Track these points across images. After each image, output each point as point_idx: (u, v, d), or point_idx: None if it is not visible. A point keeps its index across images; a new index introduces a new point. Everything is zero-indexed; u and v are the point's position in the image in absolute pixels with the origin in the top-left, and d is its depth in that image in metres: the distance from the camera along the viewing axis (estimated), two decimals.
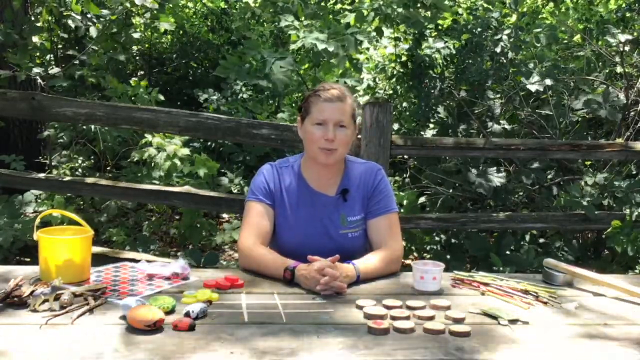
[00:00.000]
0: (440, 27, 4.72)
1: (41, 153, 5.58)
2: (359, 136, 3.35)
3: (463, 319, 1.71)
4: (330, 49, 3.80)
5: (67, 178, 4.00)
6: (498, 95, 4.53)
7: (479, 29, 4.37)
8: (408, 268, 2.09)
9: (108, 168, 5.20)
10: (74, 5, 4.80)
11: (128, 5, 4.73)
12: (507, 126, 4.37)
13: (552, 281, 2.09)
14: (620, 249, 3.65)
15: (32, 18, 5.15)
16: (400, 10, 4.14)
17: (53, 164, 5.09)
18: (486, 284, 2.01)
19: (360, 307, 1.76)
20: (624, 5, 5.41)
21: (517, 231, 4.15)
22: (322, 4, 4.93)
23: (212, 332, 1.56)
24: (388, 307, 1.76)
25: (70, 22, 4.91)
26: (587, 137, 4.60)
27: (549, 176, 4.30)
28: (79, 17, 4.89)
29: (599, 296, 1.99)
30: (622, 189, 3.82)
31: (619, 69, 4.61)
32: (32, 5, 5.41)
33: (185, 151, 4.45)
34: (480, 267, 3.89)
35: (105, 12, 4.87)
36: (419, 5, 4.26)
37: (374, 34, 4.47)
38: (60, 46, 6.22)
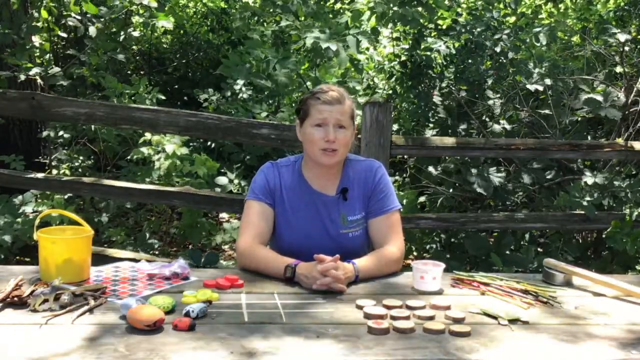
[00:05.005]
0: (439, 27, 4.72)
1: (41, 153, 5.58)
2: (359, 136, 3.35)
3: (463, 318, 1.71)
4: (333, 47, 3.79)
5: (67, 178, 3.99)
6: (498, 95, 4.53)
7: (478, 29, 4.37)
8: (408, 268, 2.09)
9: (108, 168, 5.20)
10: (72, 6, 4.79)
11: (128, 4, 4.73)
12: (507, 126, 4.37)
13: (552, 281, 2.09)
14: (620, 249, 3.65)
15: (34, 17, 5.15)
16: (396, 8, 4.13)
17: (53, 163, 5.09)
18: (486, 284, 2.01)
19: (360, 307, 1.76)
20: (622, 4, 5.41)
21: (517, 231, 4.15)
22: (322, 3, 4.93)
23: (212, 332, 1.56)
24: (388, 307, 1.76)
25: (70, 22, 4.90)
26: (587, 137, 4.60)
27: (549, 176, 4.29)
28: (78, 17, 4.89)
29: (599, 296, 1.99)
30: (622, 189, 3.82)
31: (618, 69, 4.60)
32: (31, 5, 5.41)
33: (184, 150, 4.45)
34: (480, 267, 3.89)
35: (104, 10, 4.86)
36: (414, 2, 4.24)
37: (369, 34, 4.46)
38: (60, 46, 6.21)
